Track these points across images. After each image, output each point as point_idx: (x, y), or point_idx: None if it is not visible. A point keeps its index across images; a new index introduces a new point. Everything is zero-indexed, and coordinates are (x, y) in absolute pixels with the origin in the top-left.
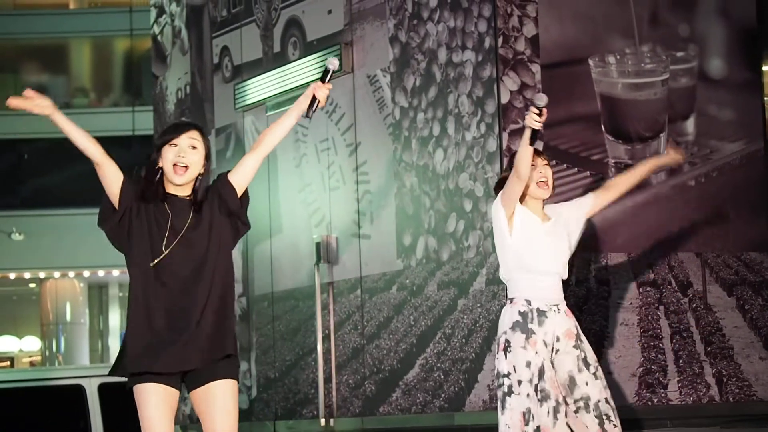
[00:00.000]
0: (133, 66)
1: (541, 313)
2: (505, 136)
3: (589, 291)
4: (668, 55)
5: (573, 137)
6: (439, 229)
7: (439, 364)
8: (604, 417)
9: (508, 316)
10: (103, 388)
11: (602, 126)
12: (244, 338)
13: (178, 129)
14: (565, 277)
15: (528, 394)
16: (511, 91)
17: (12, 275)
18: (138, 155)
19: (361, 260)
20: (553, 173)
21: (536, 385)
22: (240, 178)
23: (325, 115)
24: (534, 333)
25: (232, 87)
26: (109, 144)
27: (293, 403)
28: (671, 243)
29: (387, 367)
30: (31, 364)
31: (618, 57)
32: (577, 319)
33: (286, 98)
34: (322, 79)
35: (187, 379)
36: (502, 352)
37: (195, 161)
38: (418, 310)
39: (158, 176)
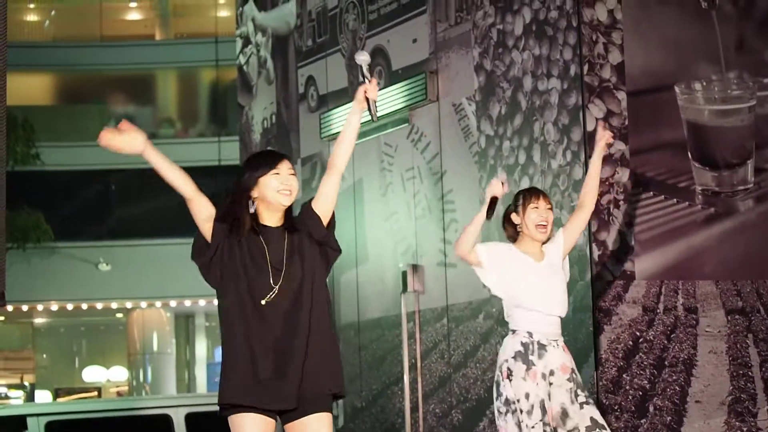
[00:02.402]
0: (218, 96)
1: (542, 347)
2: None
3: (677, 319)
4: (755, 82)
5: (659, 164)
6: None
7: None
8: None
9: (510, 346)
10: (190, 418)
11: (689, 153)
12: None
13: (275, 158)
14: (563, 314)
15: (527, 425)
16: (596, 119)
17: (99, 305)
18: (223, 185)
19: (447, 289)
20: (641, 200)
21: (540, 418)
22: (322, 204)
23: (410, 143)
24: (534, 365)
25: (317, 116)
26: (194, 174)
27: None
28: (760, 270)
29: (474, 396)
30: (119, 394)
31: (704, 84)
32: (665, 348)
33: (371, 127)
34: (365, 79)
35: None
36: (507, 380)
37: (296, 187)
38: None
39: (251, 208)
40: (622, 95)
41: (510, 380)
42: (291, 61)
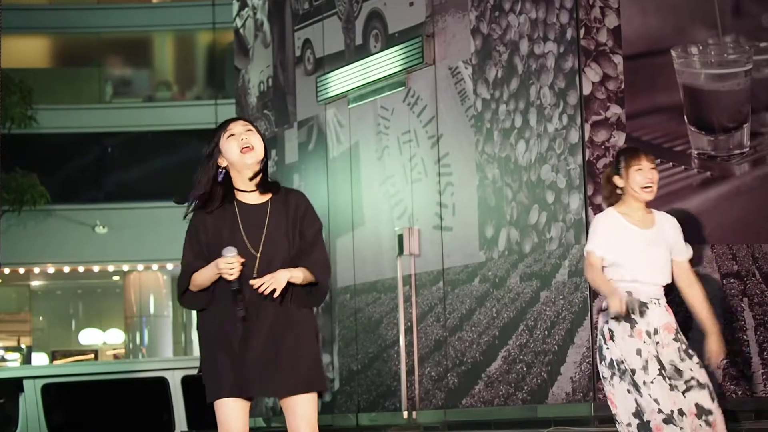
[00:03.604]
0: (215, 59)
1: (643, 305)
2: (587, 127)
3: (672, 283)
4: (751, 46)
5: (655, 128)
6: (522, 220)
7: (521, 356)
8: (712, 397)
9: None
10: (186, 381)
11: (685, 117)
12: (327, 330)
13: (228, 120)
14: (665, 283)
15: (644, 381)
16: (593, 83)
17: (96, 268)
18: None
19: (443, 252)
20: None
21: (659, 371)
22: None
23: (407, 107)
24: (637, 323)
25: (314, 80)
26: (190, 137)
27: (376, 395)
28: (755, 234)
29: (469, 359)
30: (115, 356)
31: (701, 48)
32: None
33: (368, 90)
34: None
35: None
36: (610, 341)
37: (257, 143)
38: (500, 302)
39: (221, 177)
40: (618, 59)
41: (613, 341)
42: (287, 24)
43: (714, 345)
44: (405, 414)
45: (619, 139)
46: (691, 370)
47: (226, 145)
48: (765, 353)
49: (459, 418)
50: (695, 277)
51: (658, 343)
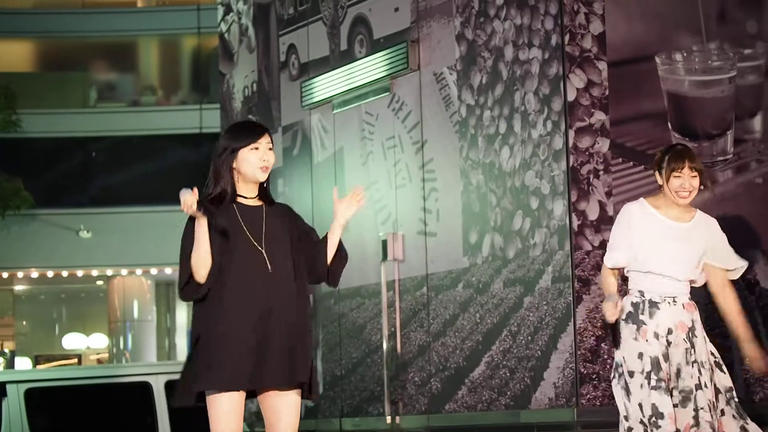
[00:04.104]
0: (200, 64)
1: (653, 305)
2: (571, 133)
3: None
4: (736, 53)
5: (640, 135)
6: (506, 226)
7: (504, 362)
8: (700, 409)
9: (623, 308)
10: (170, 386)
11: (669, 124)
12: (311, 335)
13: (257, 132)
14: (686, 279)
15: (641, 385)
16: (577, 89)
17: (80, 273)
18: (205, 153)
19: (427, 258)
20: (620, 170)
21: (651, 375)
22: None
23: (391, 112)
24: (645, 324)
25: (298, 85)
26: (176, 142)
27: (359, 400)
28: (738, 241)
29: (453, 364)
30: (99, 361)
31: (685, 54)
32: None
33: (353, 96)
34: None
35: None
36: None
37: (273, 161)
38: (484, 308)
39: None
40: (602, 65)
41: (619, 344)
42: (272, 29)
43: (751, 352)
44: (388, 419)
45: (603, 146)
46: (692, 377)
47: (247, 155)
48: (748, 359)
49: (442, 424)
50: (730, 286)
51: (670, 343)
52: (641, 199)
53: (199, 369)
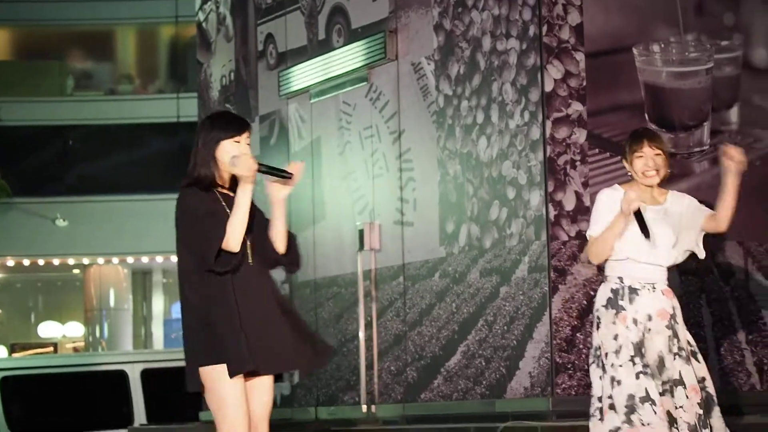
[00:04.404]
0: (178, 53)
1: (633, 291)
2: (548, 124)
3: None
4: (713, 44)
5: (617, 126)
6: (482, 216)
7: (480, 351)
8: (679, 408)
9: (601, 294)
10: (146, 374)
11: (646, 115)
12: None
13: (242, 126)
14: (666, 264)
15: (612, 364)
16: (555, 80)
17: (56, 261)
18: (182, 141)
19: (403, 247)
20: (597, 161)
21: (635, 360)
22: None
23: (369, 102)
24: (624, 309)
25: (276, 74)
26: (153, 131)
27: (335, 389)
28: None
29: (429, 353)
30: (75, 349)
31: (662, 46)
32: None
33: (330, 85)
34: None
35: None
36: (595, 329)
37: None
38: (460, 298)
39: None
40: (580, 56)
41: (598, 329)
42: (250, 18)
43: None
44: (364, 408)
45: (581, 136)
46: (674, 368)
47: (228, 147)
48: (722, 349)
49: (418, 412)
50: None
51: (650, 330)
52: (615, 185)
53: (217, 349)
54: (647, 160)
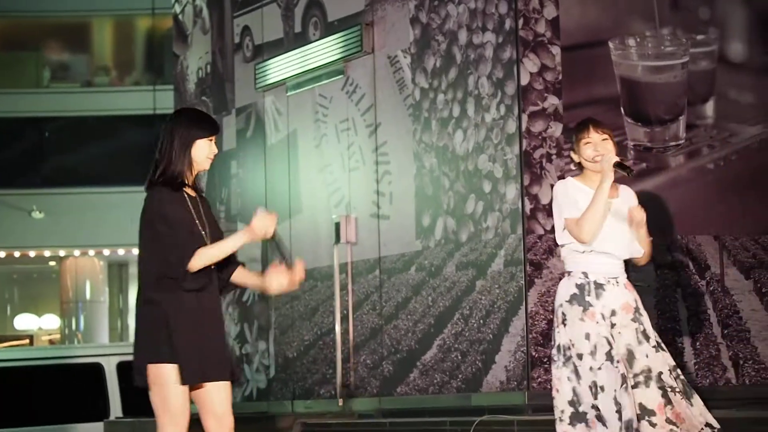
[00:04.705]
0: (154, 45)
1: (599, 286)
2: (524, 117)
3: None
4: (688, 39)
5: None
6: (458, 210)
7: (456, 345)
8: (668, 389)
9: (564, 289)
10: (121, 367)
11: (622, 108)
12: (264, 318)
13: (215, 127)
14: (626, 257)
15: (591, 368)
16: (531, 73)
17: (32, 253)
18: (158, 134)
19: (380, 241)
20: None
21: (612, 354)
22: None
23: (345, 95)
24: (591, 305)
25: (252, 67)
26: (129, 123)
27: (311, 382)
28: (689, 226)
29: (405, 347)
30: (51, 342)
31: (638, 40)
32: None
33: (307, 78)
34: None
35: None
36: (561, 325)
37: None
38: (436, 291)
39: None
40: (556, 50)
41: (564, 325)
42: (227, 11)
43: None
44: (340, 401)
45: (556, 130)
46: (647, 356)
47: (202, 145)
48: (697, 343)
49: (394, 406)
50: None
51: (615, 325)
52: (567, 177)
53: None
54: (596, 146)
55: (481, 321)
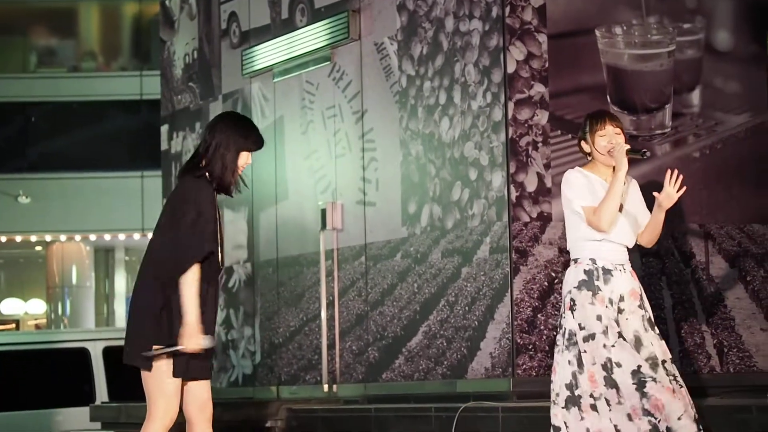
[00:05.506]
0: (141, 30)
1: (607, 272)
2: (510, 105)
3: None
4: (675, 27)
5: (579, 108)
6: (444, 197)
7: (442, 332)
8: (671, 377)
9: (573, 276)
10: (107, 352)
11: (608, 97)
12: (249, 304)
13: (261, 144)
14: (630, 245)
15: (604, 345)
16: (517, 61)
17: (18, 238)
18: (145, 119)
19: (366, 227)
20: (559, 143)
21: (618, 334)
22: None
23: (332, 82)
24: (600, 290)
25: (239, 53)
26: (116, 108)
27: (297, 368)
28: (675, 214)
29: (390, 334)
30: (37, 327)
31: (625, 28)
32: None
33: (293, 65)
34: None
35: None
36: (569, 311)
37: None
38: (422, 278)
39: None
40: (543, 38)
41: (573, 311)
42: None
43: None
44: (326, 387)
45: (542, 118)
46: (652, 344)
47: (244, 156)
48: (682, 331)
49: (379, 392)
50: None
51: (623, 310)
52: (577, 167)
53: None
54: (611, 139)
55: (467, 308)
